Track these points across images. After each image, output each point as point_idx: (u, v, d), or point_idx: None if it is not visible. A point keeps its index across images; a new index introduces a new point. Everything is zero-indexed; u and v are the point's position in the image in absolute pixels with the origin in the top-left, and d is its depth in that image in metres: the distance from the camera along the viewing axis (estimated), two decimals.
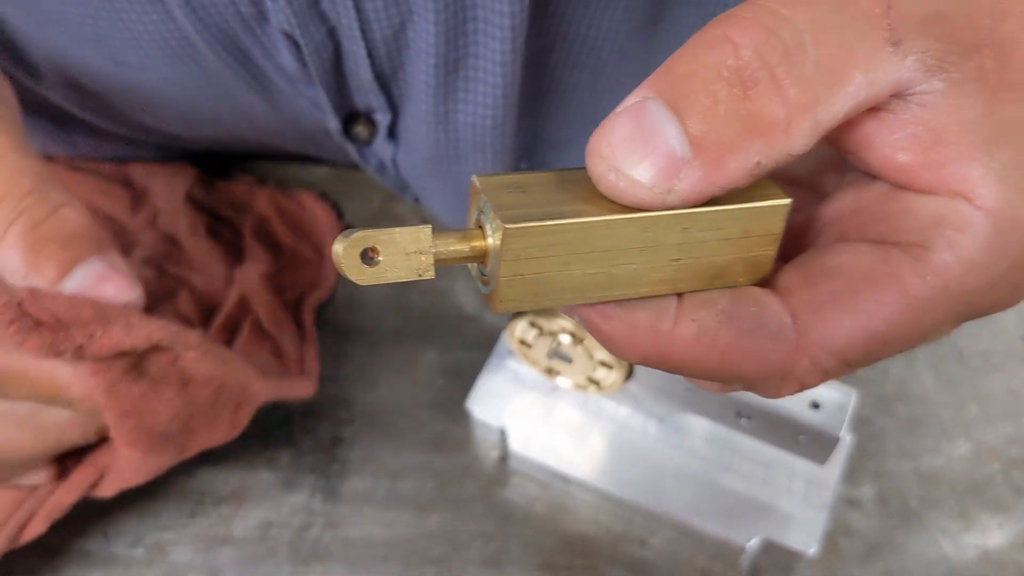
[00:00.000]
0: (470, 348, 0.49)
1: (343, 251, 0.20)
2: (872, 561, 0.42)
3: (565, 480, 0.43)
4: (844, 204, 0.23)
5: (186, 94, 0.43)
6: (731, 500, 0.41)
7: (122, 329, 0.27)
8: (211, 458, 0.44)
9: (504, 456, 0.45)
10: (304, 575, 0.42)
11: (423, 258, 0.20)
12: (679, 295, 0.22)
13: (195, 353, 0.31)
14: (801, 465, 0.41)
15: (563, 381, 0.43)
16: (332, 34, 0.38)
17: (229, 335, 0.48)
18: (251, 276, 0.49)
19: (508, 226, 0.20)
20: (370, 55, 0.39)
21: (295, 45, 0.38)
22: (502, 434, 0.44)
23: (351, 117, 0.44)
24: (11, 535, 0.38)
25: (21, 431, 0.30)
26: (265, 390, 0.35)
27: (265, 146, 0.52)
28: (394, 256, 0.20)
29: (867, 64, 0.19)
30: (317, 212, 0.53)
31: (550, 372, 0.43)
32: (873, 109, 0.20)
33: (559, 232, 0.20)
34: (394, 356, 0.49)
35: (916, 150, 0.20)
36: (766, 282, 0.23)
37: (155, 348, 0.30)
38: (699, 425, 0.43)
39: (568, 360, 0.42)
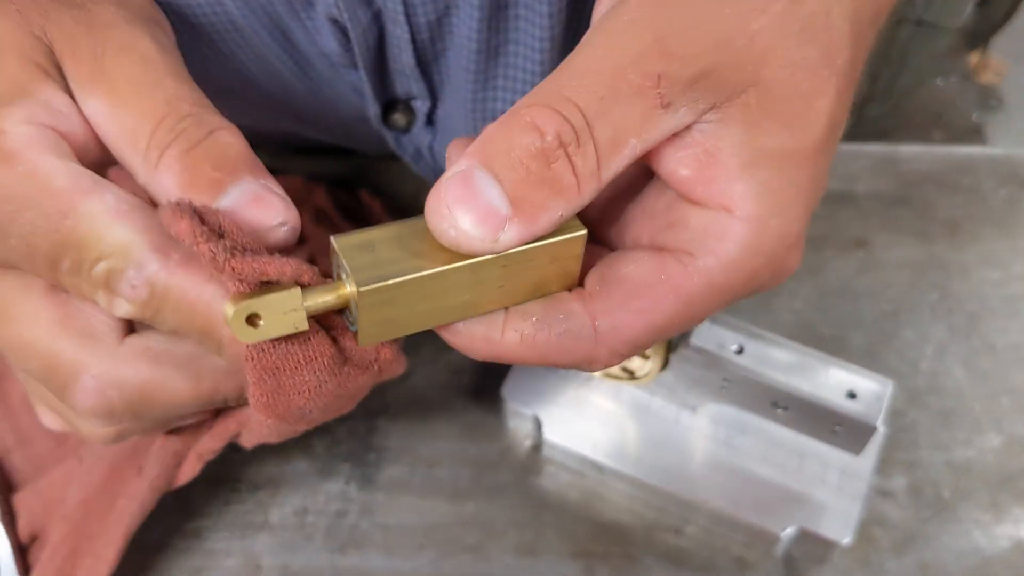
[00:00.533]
0: None
1: (232, 317, 0.24)
2: (906, 551, 0.42)
3: (599, 469, 0.44)
4: (647, 203, 0.29)
5: (229, 76, 0.44)
6: (765, 489, 0.42)
7: (279, 259, 0.25)
8: None
9: (538, 445, 0.45)
10: (341, 562, 0.43)
11: (297, 314, 0.25)
12: (507, 308, 0.27)
13: None
14: (835, 455, 0.42)
15: (597, 372, 0.43)
16: (378, 18, 0.38)
17: None
18: (317, 247, 0.48)
19: (362, 289, 0.25)
20: (413, 40, 0.39)
21: (340, 30, 0.39)
22: (536, 422, 0.44)
23: (389, 104, 0.45)
24: (169, 474, 0.39)
25: (179, 374, 0.30)
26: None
27: (299, 136, 0.52)
28: (273, 317, 0.25)
29: (640, 129, 0.25)
30: (375, 208, 0.53)
31: None
32: None
33: (404, 285, 0.25)
34: (428, 346, 0.49)
35: (694, 166, 0.26)
36: (584, 281, 0.28)
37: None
38: (732, 415, 0.43)
39: None
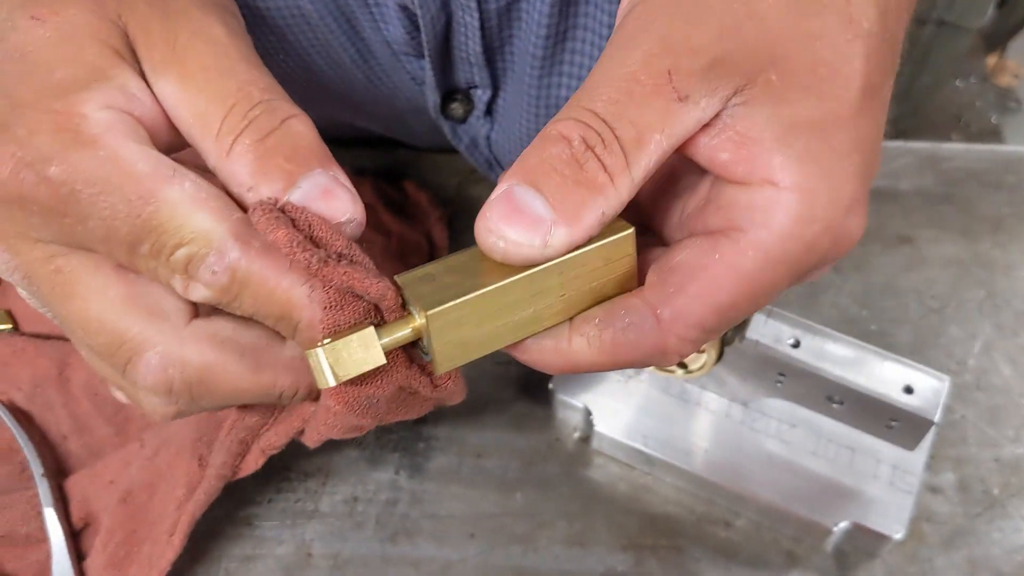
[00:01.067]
0: None
1: (315, 363, 0.26)
2: (955, 547, 0.42)
3: (649, 461, 0.44)
4: (697, 194, 0.30)
5: (289, 63, 0.44)
6: (817, 483, 0.42)
7: (365, 270, 0.27)
8: None
9: (586, 437, 0.45)
10: (391, 550, 0.43)
11: (376, 352, 0.26)
12: (571, 318, 0.28)
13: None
14: (886, 450, 0.42)
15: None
16: (446, 5, 0.39)
17: None
18: (370, 252, 0.49)
19: (429, 312, 0.26)
20: (482, 27, 0.39)
21: (408, 17, 0.39)
22: (586, 415, 0.44)
23: (448, 94, 0.45)
24: (233, 464, 0.39)
25: (241, 361, 0.30)
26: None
27: (351, 126, 0.52)
28: (354, 358, 0.26)
29: (662, 124, 0.25)
30: (421, 200, 0.53)
31: None
32: None
33: (468, 304, 0.26)
34: None
35: (731, 149, 0.26)
36: (641, 273, 0.29)
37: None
38: (783, 409, 0.43)
39: None
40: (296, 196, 0.28)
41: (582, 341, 0.28)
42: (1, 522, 0.42)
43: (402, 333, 0.27)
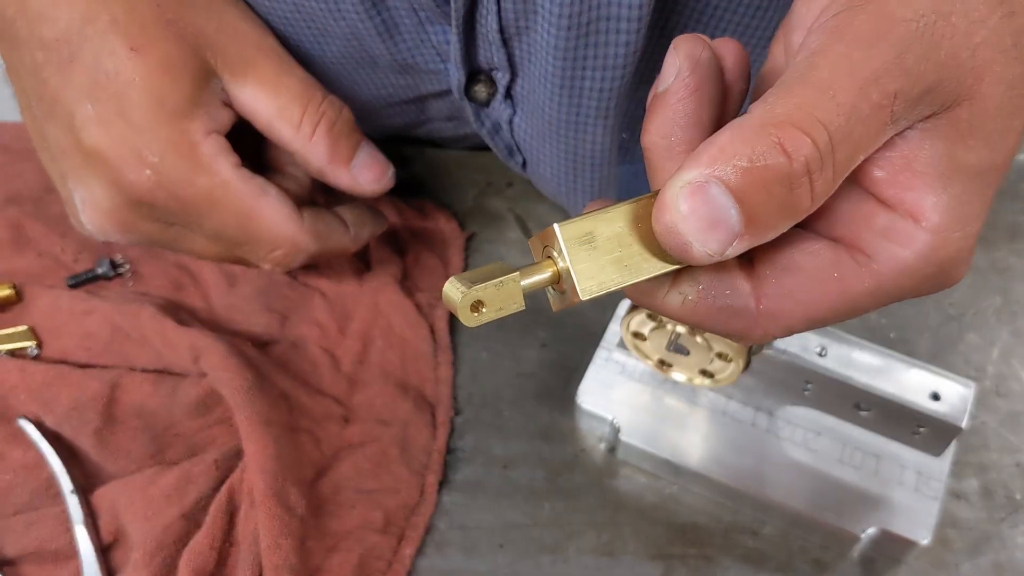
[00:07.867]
0: (570, 342, 0.50)
1: (459, 305, 0.25)
2: (981, 552, 0.42)
3: (675, 471, 0.44)
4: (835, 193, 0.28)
5: (313, 31, 0.44)
6: (843, 491, 0.42)
7: None
8: None
9: (612, 447, 0.46)
10: (420, 562, 0.43)
11: (516, 297, 0.26)
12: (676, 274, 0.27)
13: None
14: (911, 456, 0.42)
15: (677, 375, 0.44)
16: None
17: (363, 344, 0.49)
18: (383, 278, 0.50)
19: (586, 297, 0.25)
20: (499, 5, 0.40)
21: None
22: (612, 425, 0.44)
23: (471, 76, 0.45)
24: None
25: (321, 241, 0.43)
26: None
27: (371, 113, 0.52)
28: (495, 303, 0.25)
29: (869, 146, 0.24)
30: (440, 220, 0.54)
31: (662, 365, 0.44)
32: None
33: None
34: (497, 350, 0.50)
35: (889, 169, 0.26)
36: (756, 259, 0.28)
37: None
38: (808, 417, 0.44)
39: (685, 352, 0.43)
40: (356, 163, 0.42)
41: (678, 299, 0.27)
42: (30, 539, 0.42)
43: (540, 278, 0.26)
